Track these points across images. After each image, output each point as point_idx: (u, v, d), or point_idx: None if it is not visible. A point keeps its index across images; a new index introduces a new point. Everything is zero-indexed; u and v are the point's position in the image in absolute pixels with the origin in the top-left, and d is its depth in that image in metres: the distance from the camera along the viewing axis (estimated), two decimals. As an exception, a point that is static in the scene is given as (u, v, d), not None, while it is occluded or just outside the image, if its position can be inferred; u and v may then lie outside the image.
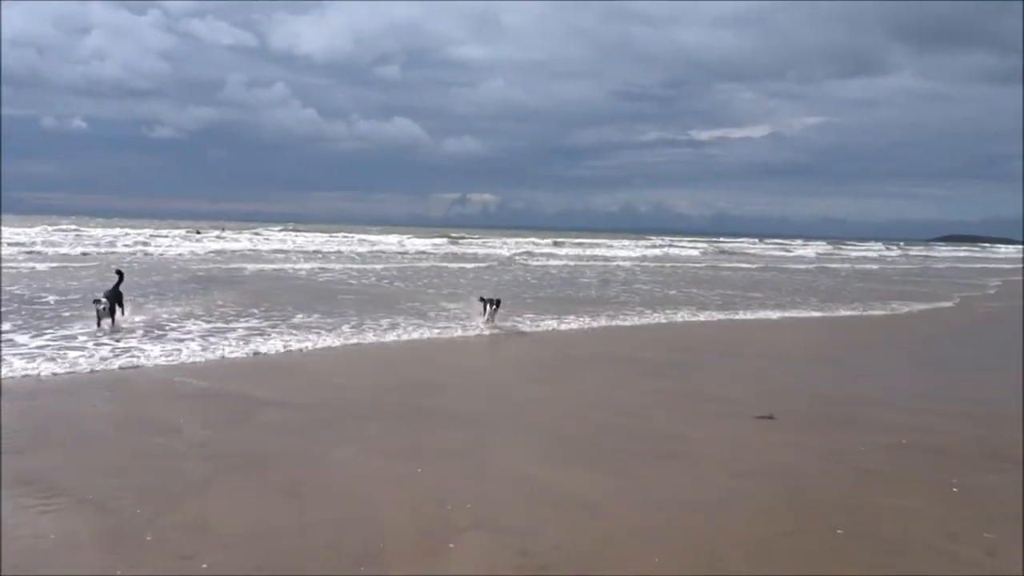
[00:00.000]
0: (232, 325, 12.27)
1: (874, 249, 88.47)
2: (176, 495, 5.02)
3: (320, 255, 36.63)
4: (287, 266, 28.27)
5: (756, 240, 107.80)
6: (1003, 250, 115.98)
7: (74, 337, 10.61)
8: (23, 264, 23.99)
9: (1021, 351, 12.52)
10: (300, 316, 13.50)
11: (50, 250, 31.46)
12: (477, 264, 34.31)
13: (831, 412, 7.95)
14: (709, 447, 6.53)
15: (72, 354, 9.46)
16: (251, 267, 26.87)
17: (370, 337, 11.71)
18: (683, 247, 66.15)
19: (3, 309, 12.97)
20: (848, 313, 18.20)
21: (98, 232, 44.51)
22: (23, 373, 8.44)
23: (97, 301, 11.37)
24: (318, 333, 11.70)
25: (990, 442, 6.85)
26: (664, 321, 15.40)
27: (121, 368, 8.99)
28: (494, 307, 12.98)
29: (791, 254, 65.88)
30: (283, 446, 6.20)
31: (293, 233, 57.68)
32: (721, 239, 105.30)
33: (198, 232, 52.09)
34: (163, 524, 4.54)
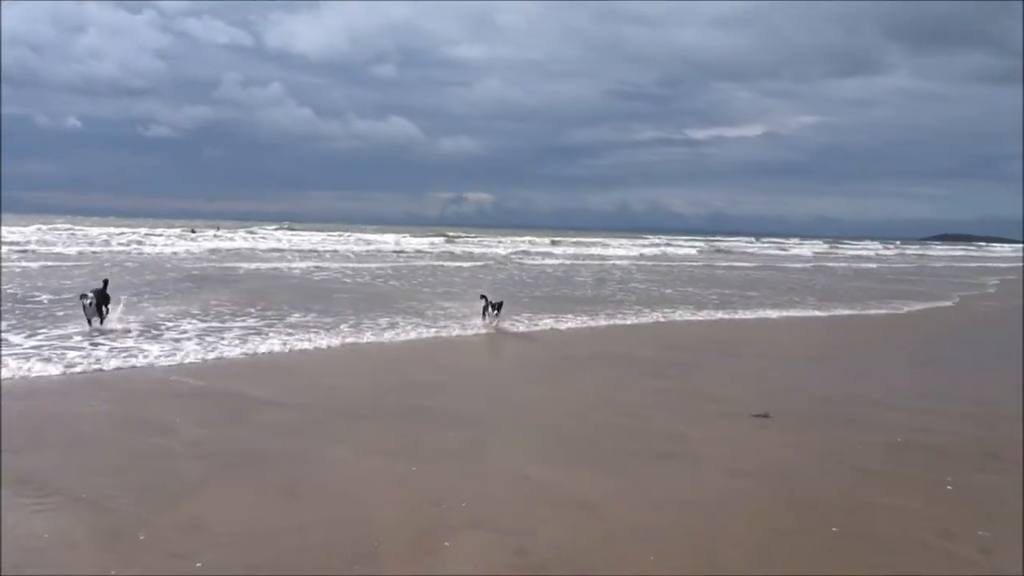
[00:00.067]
0: (228, 324, 12.22)
1: (871, 248, 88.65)
2: (171, 494, 4.99)
3: (316, 254, 36.56)
4: (283, 265, 28.20)
5: (753, 239, 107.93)
6: (999, 249, 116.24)
7: (69, 337, 10.55)
8: (16, 263, 23.87)
9: (1022, 351, 12.52)
10: (297, 315, 13.46)
11: (44, 249, 31.35)
12: (474, 263, 34.28)
13: (830, 412, 7.94)
14: (707, 446, 6.51)
15: (67, 354, 9.41)
16: (247, 266, 26.79)
17: (368, 336, 11.67)
18: (680, 246, 66.22)
19: (-3, 308, 12.90)
20: (847, 312, 18.20)
21: (93, 231, 44.31)
22: (18, 374, 8.38)
23: (84, 296, 11.30)
24: (316, 332, 11.65)
25: (989, 442, 6.85)
26: (663, 320, 15.38)
27: (117, 367, 8.93)
28: (495, 311, 12.68)
29: (788, 253, 65.99)
30: (279, 446, 6.16)
31: (289, 232, 57.57)
32: (718, 238, 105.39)
33: (193, 231, 51.94)
34: (158, 523, 4.51)
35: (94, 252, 31.44)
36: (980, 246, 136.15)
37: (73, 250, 31.79)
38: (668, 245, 66.60)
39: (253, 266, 26.90)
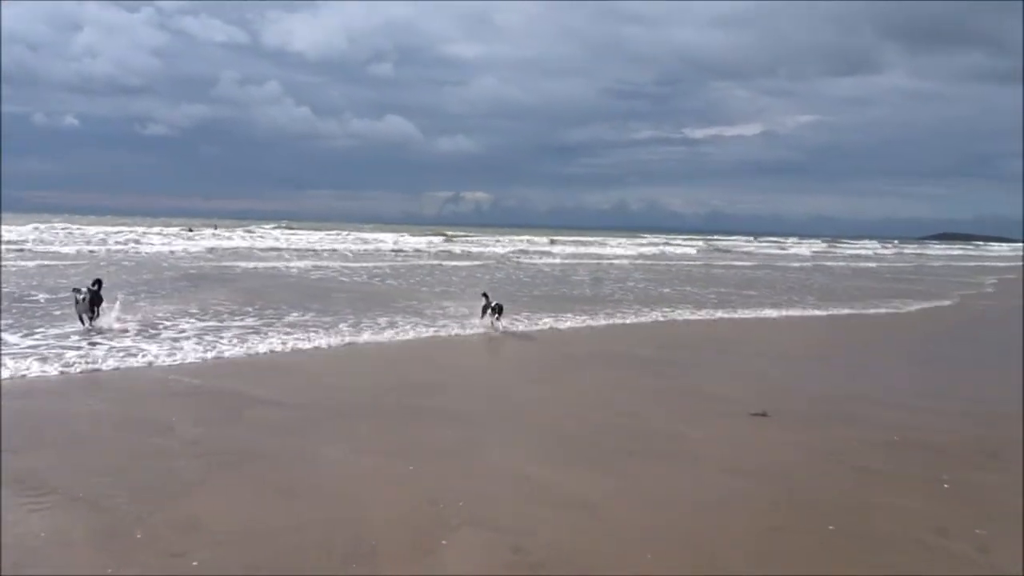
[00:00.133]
0: (227, 324, 12.19)
1: (869, 247, 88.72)
2: (168, 494, 4.97)
3: (314, 253, 36.53)
4: (281, 264, 28.16)
5: (751, 238, 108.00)
6: (996, 248, 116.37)
7: (66, 336, 10.52)
8: (13, 263, 23.80)
9: (1022, 350, 12.52)
10: (295, 315, 13.43)
11: (41, 248, 31.28)
12: (473, 262, 34.26)
13: (830, 411, 7.93)
14: (706, 445, 6.50)
15: (64, 353, 9.38)
16: (245, 265, 26.76)
17: (367, 336, 11.64)
18: (679, 245, 66.22)
19: (-5, 307, 12.86)
20: (847, 311, 18.20)
21: (90, 230, 44.24)
22: (16, 374, 8.34)
23: (77, 291, 11.18)
24: (315, 332, 11.63)
25: (988, 441, 6.85)
26: (662, 319, 15.37)
27: (114, 367, 8.90)
28: (496, 314, 12.50)
29: (787, 252, 66.02)
30: (277, 445, 6.14)
31: (287, 231, 57.49)
32: (715, 237, 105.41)
33: (191, 230, 51.89)
34: (154, 522, 4.49)
35: (91, 251, 31.38)
36: (978, 245, 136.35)
37: (70, 249, 31.73)
38: (667, 244, 66.59)
39: (251, 265, 26.87)
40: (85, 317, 11.14)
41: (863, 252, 73.75)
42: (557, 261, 37.82)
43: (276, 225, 70.72)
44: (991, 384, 9.93)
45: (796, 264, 44.56)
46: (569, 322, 14.09)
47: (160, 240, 39.48)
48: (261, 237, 47.64)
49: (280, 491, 5.09)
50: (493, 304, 12.62)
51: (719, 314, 16.48)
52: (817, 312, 17.86)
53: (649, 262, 40.56)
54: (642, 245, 61.80)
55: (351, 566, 4.03)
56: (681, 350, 11.87)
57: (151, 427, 6.50)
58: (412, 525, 4.58)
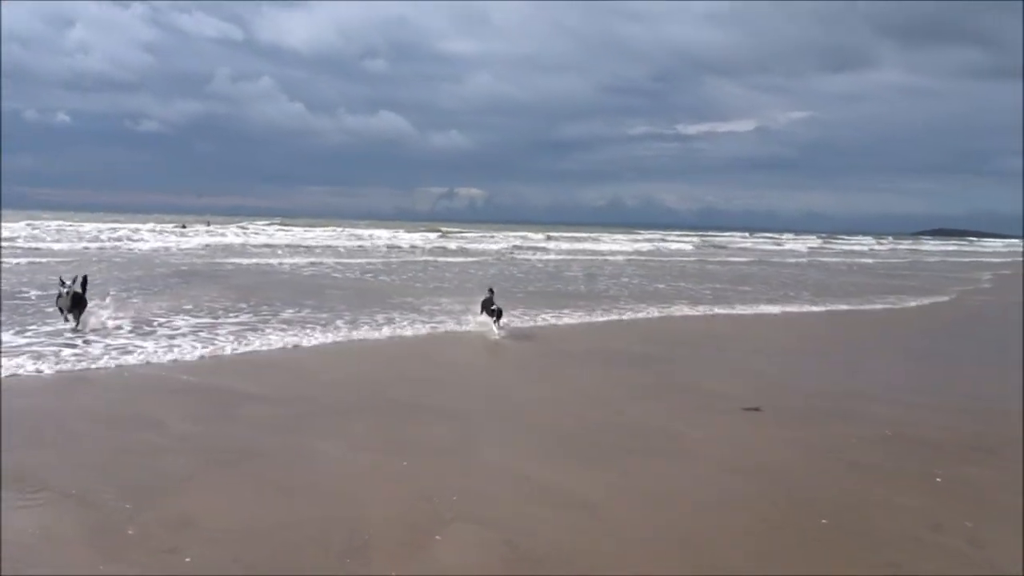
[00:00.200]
0: (221, 320, 12.14)
1: (864, 243, 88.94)
2: (161, 490, 4.93)
3: (308, 249, 36.42)
4: (275, 260, 28.06)
5: (747, 234, 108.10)
6: (991, 244, 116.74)
7: (59, 333, 10.45)
8: (5, 260, 23.65)
9: (1022, 347, 12.54)
10: (290, 311, 13.37)
11: (32, 245, 31.13)
12: (469, 258, 34.21)
13: (828, 407, 7.92)
14: (702, 442, 6.49)
15: (58, 351, 9.32)
16: (239, 261, 26.66)
17: (362, 332, 11.60)
18: (674, 241, 66.22)
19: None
20: (843, 307, 18.21)
21: (83, 227, 44.08)
22: (8, 371, 8.26)
23: (62, 283, 10.70)
24: (310, 328, 11.58)
25: (985, 437, 6.84)
26: (658, 315, 15.34)
27: (108, 364, 8.84)
28: (496, 318, 11.92)
29: (782, 248, 66.10)
30: (271, 441, 6.11)
31: (281, 227, 57.33)
32: (710, 233, 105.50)
33: (184, 227, 51.72)
34: (146, 519, 4.45)
35: (84, 248, 31.24)
36: (972, 241, 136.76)
37: (63, 246, 31.58)
38: (662, 240, 66.59)
39: (245, 261, 26.76)
40: (68, 315, 10.73)
41: (858, 248, 73.93)
42: (552, 257, 37.79)
43: (270, 221, 70.53)
44: (988, 380, 9.94)
45: (792, 260, 44.62)
46: (565, 318, 14.06)
47: (153, 236, 39.35)
48: (255, 233, 47.50)
49: (274, 487, 5.06)
50: (494, 307, 12.06)
51: (716, 310, 16.47)
52: (813, 308, 17.86)
53: (644, 258, 40.57)
54: (638, 241, 61.81)
55: (345, 562, 4.00)
56: (678, 346, 11.85)
57: (144, 424, 6.46)
58: (407, 521, 4.55)
